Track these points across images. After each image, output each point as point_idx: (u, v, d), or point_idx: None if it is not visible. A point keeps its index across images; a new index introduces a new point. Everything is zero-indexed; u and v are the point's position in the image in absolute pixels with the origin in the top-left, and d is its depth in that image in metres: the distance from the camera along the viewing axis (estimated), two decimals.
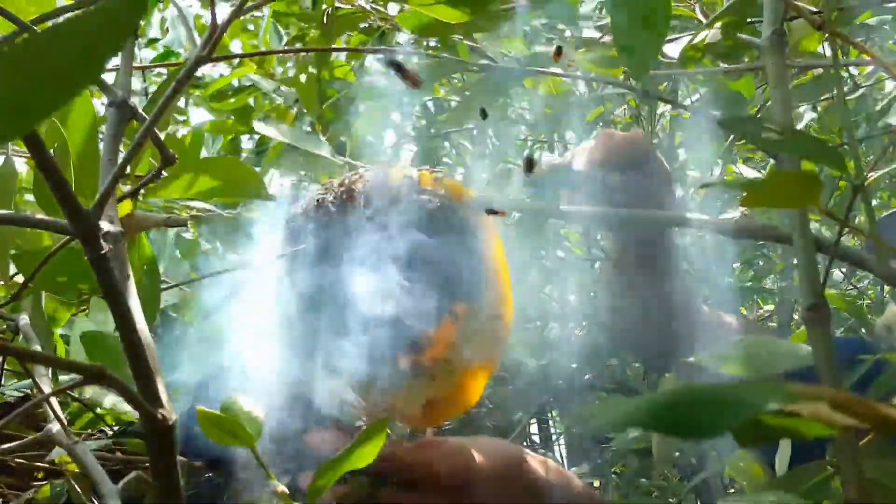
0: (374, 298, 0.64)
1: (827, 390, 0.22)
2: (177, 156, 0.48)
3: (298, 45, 1.25)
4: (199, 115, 1.38)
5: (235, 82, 1.31)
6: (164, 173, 0.50)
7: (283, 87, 1.19)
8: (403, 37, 1.33)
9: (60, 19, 0.36)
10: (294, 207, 0.67)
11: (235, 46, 1.42)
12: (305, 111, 1.23)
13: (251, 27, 1.42)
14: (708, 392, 0.21)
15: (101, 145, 0.47)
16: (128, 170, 0.51)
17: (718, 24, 0.56)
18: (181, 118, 1.35)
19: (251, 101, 1.37)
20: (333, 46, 1.14)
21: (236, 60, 1.29)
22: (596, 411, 0.21)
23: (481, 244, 0.65)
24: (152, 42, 1.70)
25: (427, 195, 0.63)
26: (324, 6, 1.00)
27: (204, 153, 1.31)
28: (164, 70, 1.50)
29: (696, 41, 0.57)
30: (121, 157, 0.45)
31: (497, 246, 0.66)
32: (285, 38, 1.34)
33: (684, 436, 0.20)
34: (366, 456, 0.63)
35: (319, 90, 1.14)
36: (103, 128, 0.49)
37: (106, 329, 0.82)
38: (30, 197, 0.66)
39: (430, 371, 0.66)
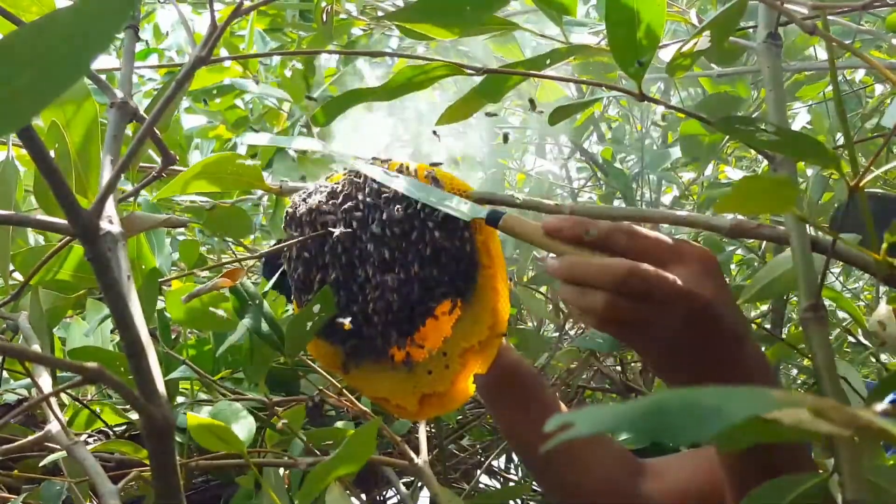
0: (369, 293, 0.64)
1: (808, 397, 0.22)
2: (177, 156, 0.48)
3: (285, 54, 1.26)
4: (191, 121, 1.38)
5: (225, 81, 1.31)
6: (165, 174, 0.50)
7: (270, 89, 1.19)
8: (394, 41, 1.33)
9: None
10: (295, 200, 0.67)
11: (221, 53, 1.42)
12: (296, 114, 1.23)
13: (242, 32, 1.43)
14: (691, 399, 0.21)
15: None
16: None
17: (708, 32, 0.57)
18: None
19: (242, 103, 1.38)
20: (326, 49, 1.14)
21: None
22: (579, 417, 0.21)
23: (479, 239, 0.65)
24: (146, 42, 1.70)
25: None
26: (323, 3, 1.00)
27: (198, 157, 1.32)
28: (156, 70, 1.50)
29: (685, 48, 0.57)
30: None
31: (494, 241, 0.66)
32: (271, 44, 1.35)
33: (669, 442, 0.20)
34: (359, 458, 0.63)
35: (308, 88, 1.14)
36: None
37: (102, 332, 0.83)
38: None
39: (426, 365, 0.67)
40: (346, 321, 0.64)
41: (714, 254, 0.53)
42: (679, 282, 0.51)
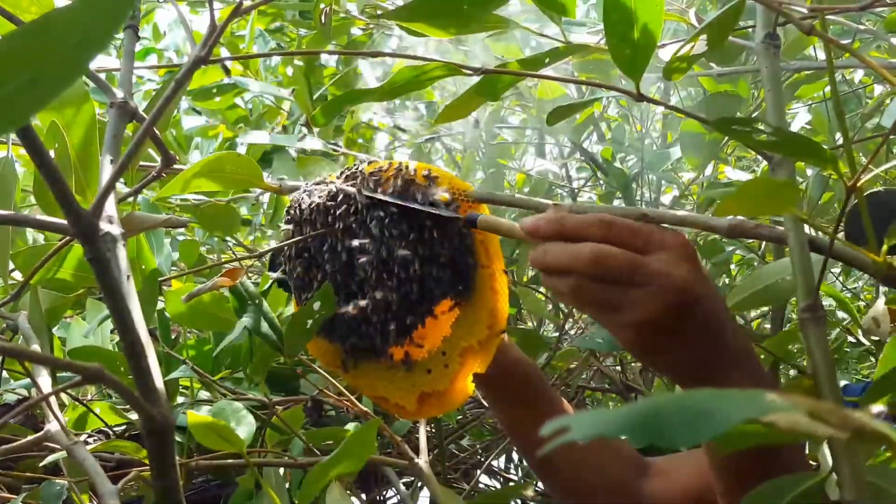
0: (368, 292, 0.64)
1: (804, 401, 0.22)
2: (177, 157, 0.48)
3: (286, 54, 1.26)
4: (191, 122, 1.38)
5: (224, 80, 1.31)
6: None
7: (270, 88, 1.20)
8: (394, 42, 1.33)
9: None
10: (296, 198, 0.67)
11: (222, 53, 1.42)
12: (296, 113, 1.23)
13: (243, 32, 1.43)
14: (686, 402, 0.21)
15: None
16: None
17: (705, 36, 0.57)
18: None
19: (242, 102, 1.38)
20: (326, 49, 1.14)
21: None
22: (574, 422, 0.21)
23: (477, 238, 0.65)
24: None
25: (423, 189, 0.63)
26: (321, 5, 1.00)
27: (198, 157, 1.32)
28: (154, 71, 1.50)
29: (682, 51, 0.58)
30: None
31: (493, 241, 0.66)
32: (272, 43, 1.35)
33: (663, 446, 0.20)
34: (359, 458, 0.63)
35: (310, 87, 1.14)
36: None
37: (102, 332, 0.83)
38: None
39: (425, 364, 0.67)
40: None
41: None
42: (655, 265, 0.52)
